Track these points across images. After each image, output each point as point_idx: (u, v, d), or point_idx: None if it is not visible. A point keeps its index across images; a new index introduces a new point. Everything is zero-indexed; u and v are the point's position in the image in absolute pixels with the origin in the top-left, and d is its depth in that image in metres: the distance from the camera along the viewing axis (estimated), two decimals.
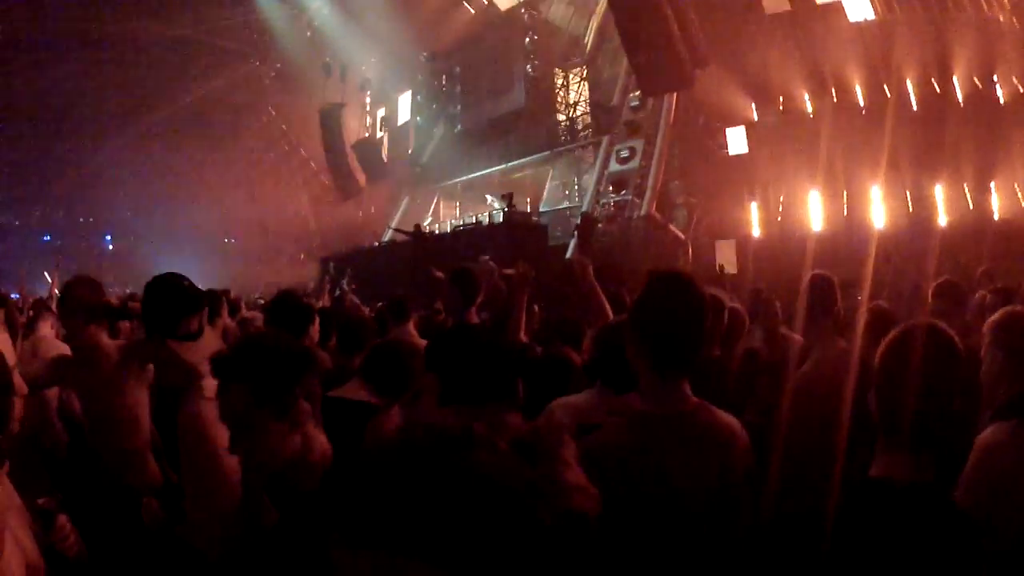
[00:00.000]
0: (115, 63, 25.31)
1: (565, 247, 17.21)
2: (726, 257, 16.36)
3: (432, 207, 27.52)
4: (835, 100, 18.38)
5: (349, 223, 28.43)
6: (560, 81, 23.07)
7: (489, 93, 24.60)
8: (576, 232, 16.41)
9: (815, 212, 17.13)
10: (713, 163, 18.81)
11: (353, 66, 27.12)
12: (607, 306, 3.48)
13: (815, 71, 18.51)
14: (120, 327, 5.64)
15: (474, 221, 20.60)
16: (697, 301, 1.93)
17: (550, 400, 2.68)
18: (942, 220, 15.69)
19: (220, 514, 2.36)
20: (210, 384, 2.58)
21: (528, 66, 22.97)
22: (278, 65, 29.62)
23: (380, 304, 6.98)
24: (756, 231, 17.77)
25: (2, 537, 1.84)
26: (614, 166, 20.01)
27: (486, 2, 25.43)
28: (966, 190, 16.18)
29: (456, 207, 26.95)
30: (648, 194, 18.49)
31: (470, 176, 25.68)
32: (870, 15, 18.40)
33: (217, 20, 26.31)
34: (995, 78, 16.96)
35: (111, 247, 34.52)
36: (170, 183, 30.31)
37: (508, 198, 17.83)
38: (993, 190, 15.96)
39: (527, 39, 23.05)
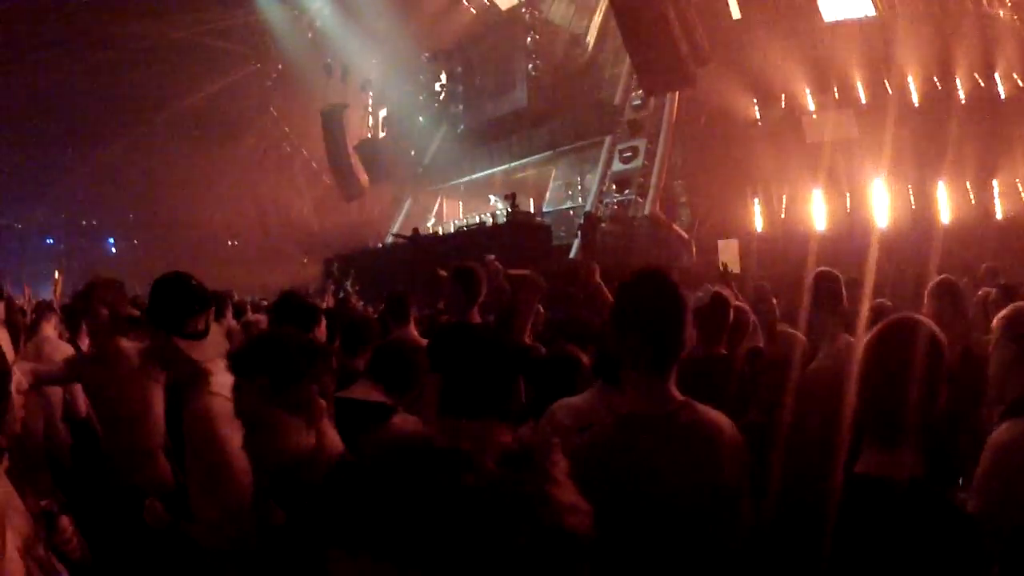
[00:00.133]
0: (117, 66, 25.31)
1: (569, 247, 17.22)
2: (729, 256, 16.34)
3: (435, 208, 27.53)
4: (837, 98, 18.37)
5: (352, 224, 28.46)
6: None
7: (491, 93, 24.63)
8: (579, 232, 16.41)
9: (818, 210, 17.11)
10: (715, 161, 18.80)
11: (354, 67, 27.10)
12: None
13: (817, 69, 18.51)
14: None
15: (477, 221, 20.61)
16: (677, 300, 1.92)
17: (557, 399, 2.68)
18: (944, 217, 15.66)
19: (228, 512, 2.36)
20: (218, 381, 2.58)
21: (530, 65, 22.96)
22: (279, 66, 29.61)
23: (383, 305, 6.97)
24: (759, 229, 17.76)
25: (3, 536, 1.85)
26: (617, 165, 20.00)
27: (487, 2, 25.45)
28: (968, 187, 16.16)
29: (459, 207, 26.95)
30: (651, 193, 18.49)
31: (473, 176, 25.69)
32: (871, 12, 18.40)
33: (218, 22, 26.34)
34: (996, 75, 16.93)
35: (114, 250, 34.57)
36: (173, 185, 30.34)
37: (511, 198, 17.85)
38: (995, 186, 15.93)
39: (528, 38, 23.04)
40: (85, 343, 5.68)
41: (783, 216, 18.10)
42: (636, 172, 19.31)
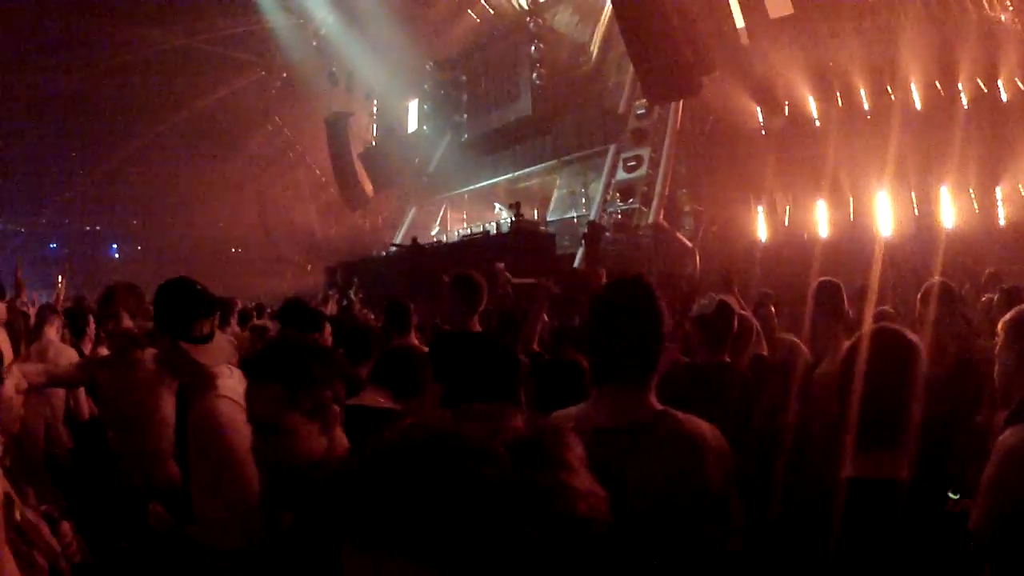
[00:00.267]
0: (121, 72, 25.42)
1: (573, 256, 17.19)
2: (734, 264, 16.31)
3: (440, 216, 27.53)
4: (840, 105, 18.37)
5: (356, 232, 28.48)
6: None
7: (495, 102, 24.62)
8: (583, 241, 16.40)
9: (821, 218, 17.09)
10: (719, 170, 18.81)
11: (359, 75, 27.10)
12: None
13: (820, 76, 18.51)
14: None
15: (482, 230, 20.60)
16: (651, 310, 1.89)
17: (562, 406, 2.68)
18: (947, 223, 15.63)
19: (233, 513, 2.37)
20: (224, 384, 2.60)
21: (534, 74, 22.97)
22: (284, 74, 29.68)
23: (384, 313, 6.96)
24: (763, 237, 17.74)
25: (4, 535, 1.86)
26: (621, 174, 19.96)
27: (491, 11, 25.50)
28: (971, 193, 16.12)
29: (464, 216, 26.96)
30: (655, 202, 18.45)
31: (477, 185, 25.67)
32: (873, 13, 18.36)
33: (223, 30, 26.45)
34: (999, 80, 16.91)
35: (117, 255, 34.65)
36: (176, 192, 30.42)
37: (516, 207, 17.84)
38: (999, 193, 15.90)
39: (533, 47, 23.05)
40: (88, 347, 5.71)
41: (787, 224, 18.08)
42: (640, 181, 19.27)
